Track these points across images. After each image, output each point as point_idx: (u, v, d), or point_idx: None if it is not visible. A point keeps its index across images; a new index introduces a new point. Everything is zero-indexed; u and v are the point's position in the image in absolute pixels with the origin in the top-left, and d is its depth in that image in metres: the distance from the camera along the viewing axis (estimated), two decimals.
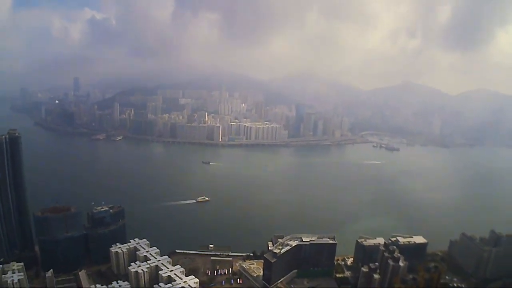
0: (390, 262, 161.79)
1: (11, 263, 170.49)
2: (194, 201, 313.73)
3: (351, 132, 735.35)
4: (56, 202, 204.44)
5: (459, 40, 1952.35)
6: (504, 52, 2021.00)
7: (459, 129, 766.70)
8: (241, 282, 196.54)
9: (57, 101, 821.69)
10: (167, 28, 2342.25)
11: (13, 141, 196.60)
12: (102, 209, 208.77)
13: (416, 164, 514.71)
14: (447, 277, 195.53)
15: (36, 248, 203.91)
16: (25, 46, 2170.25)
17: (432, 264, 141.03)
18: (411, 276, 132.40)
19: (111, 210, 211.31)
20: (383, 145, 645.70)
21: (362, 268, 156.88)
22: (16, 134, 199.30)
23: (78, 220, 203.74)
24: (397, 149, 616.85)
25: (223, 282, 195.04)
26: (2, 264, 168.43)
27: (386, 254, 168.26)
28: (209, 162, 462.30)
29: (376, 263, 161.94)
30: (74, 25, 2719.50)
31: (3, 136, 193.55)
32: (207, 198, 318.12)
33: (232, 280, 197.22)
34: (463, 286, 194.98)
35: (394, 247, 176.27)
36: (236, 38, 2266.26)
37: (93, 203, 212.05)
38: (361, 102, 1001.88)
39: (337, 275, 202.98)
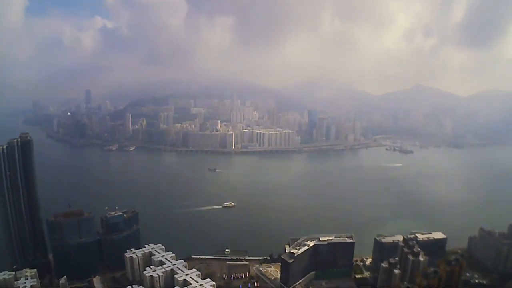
0: (410, 257, 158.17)
1: (24, 269, 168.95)
2: (220, 206, 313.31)
3: (364, 136, 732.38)
4: (69, 206, 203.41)
5: (473, 38, 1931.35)
6: None
7: (472, 130, 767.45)
8: (257, 285, 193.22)
9: (69, 114, 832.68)
10: (180, 34, 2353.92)
11: (25, 145, 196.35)
12: (116, 214, 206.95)
13: (431, 165, 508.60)
14: (467, 274, 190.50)
15: (50, 254, 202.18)
16: (37, 55, 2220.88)
17: (453, 257, 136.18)
18: (432, 269, 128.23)
19: (124, 215, 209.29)
20: (397, 148, 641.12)
21: (382, 264, 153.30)
22: (28, 137, 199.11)
23: (91, 225, 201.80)
24: (411, 152, 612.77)
25: (240, 286, 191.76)
26: (15, 271, 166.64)
27: (405, 249, 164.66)
28: (215, 169, 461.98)
29: (396, 258, 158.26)
30: (86, 34, 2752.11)
31: (15, 140, 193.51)
32: (233, 204, 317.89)
33: (249, 284, 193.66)
34: (484, 282, 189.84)
35: (414, 242, 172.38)
36: (249, 42, 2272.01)
37: (106, 208, 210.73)
38: (373, 106, 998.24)
39: (356, 276, 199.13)
